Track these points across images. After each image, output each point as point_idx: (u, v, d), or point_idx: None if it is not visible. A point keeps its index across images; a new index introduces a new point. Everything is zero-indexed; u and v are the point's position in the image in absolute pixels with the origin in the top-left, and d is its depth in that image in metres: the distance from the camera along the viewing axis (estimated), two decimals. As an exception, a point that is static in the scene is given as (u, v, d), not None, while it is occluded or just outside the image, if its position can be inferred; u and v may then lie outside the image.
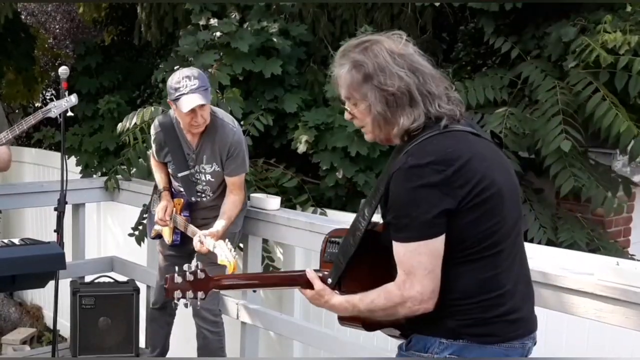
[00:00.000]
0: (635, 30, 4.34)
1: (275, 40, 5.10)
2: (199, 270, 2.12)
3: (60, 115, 3.83)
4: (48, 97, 9.74)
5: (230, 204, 3.71)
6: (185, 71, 3.60)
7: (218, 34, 5.03)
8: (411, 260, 1.94)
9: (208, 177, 3.75)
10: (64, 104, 3.83)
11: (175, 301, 2.11)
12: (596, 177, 4.26)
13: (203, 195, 3.81)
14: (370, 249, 2.08)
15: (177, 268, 2.14)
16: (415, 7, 5.48)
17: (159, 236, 3.98)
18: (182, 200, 3.82)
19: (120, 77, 7.47)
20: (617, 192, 4.39)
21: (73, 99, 3.86)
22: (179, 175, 3.78)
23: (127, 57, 7.96)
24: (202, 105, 3.50)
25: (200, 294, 2.12)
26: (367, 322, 2.18)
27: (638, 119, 4.27)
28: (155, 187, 4.01)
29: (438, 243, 1.93)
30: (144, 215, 4.99)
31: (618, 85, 4.23)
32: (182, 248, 3.90)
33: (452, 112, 2.00)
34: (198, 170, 3.75)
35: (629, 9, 4.56)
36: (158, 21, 6.32)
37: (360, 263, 2.10)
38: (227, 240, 3.42)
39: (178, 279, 2.10)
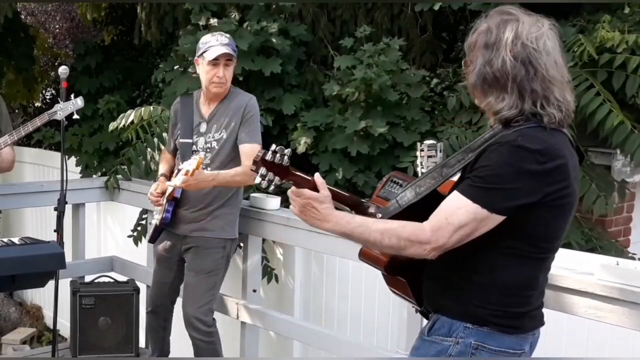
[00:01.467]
0: (634, 30, 4.35)
1: (274, 40, 5.10)
2: (286, 156, 2.07)
3: (65, 118, 3.83)
4: (48, 97, 9.73)
5: (239, 168, 3.63)
6: (217, 33, 3.78)
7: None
8: (461, 216, 1.93)
9: (213, 144, 3.72)
10: (70, 106, 3.82)
11: (257, 177, 2.06)
12: (591, 177, 4.26)
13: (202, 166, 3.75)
14: (427, 205, 2.05)
15: (274, 146, 2.08)
16: (416, 10, 5.49)
17: (154, 238, 3.97)
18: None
19: (120, 77, 7.47)
20: (612, 193, 4.40)
21: (79, 102, 3.85)
22: (180, 140, 3.80)
23: (127, 57, 7.96)
24: (228, 59, 3.62)
25: (277, 179, 2.07)
26: (390, 264, 2.16)
27: (636, 119, 4.28)
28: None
29: (492, 222, 1.93)
30: (144, 216, 4.99)
31: (616, 85, 4.25)
32: (172, 250, 3.88)
33: (551, 116, 1.96)
34: (205, 141, 3.74)
35: (627, 10, 4.56)
36: (158, 21, 6.33)
37: (410, 213, 2.08)
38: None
39: (270, 156, 2.05)
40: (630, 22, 4.46)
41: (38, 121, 3.79)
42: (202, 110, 3.79)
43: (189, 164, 3.45)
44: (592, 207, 4.22)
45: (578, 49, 4.26)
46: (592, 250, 4.31)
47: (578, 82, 4.23)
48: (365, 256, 2.24)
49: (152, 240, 3.98)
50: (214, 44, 3.63)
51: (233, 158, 3.72)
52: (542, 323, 2.13)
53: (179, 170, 3.64)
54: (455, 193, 1.97)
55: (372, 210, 2.19)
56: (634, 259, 4.39)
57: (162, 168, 3.99)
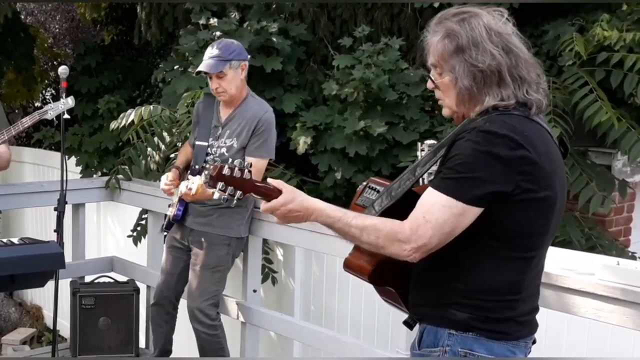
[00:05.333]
0: (633, 28, 4.35)
1: (274, 39, 5.10)
2: (246, 169, 2.01)
3: (56, 117, 3.83)
4: (48, 97, 9.73)
5: None
6: (219, 40, 3.80)
7: (218, 33, 5.04)
8: (437, 212, 1.86)
9: (223, 150, 3.75)
10: (61, 106, 3.82)
11: (217, 191, 2.00)
12: (589, 176, 4.26)
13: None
14: (405, 207, 1.99)
15: (230, 160, 2.04)
16: (415, 7, 5.48)
17: (167, 228, 4.00)
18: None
19: (120, 77, 7.48)
20: (612, 192, 4.40)
21: (70, 101, 3.85)
22: (196, 142, 3.85)
23: (127, 57, 7.96)
24: (219, 72, 3.64)
25: (238, 193, 2.01)
26: (375, 274, 2.11)
27: (636, 117, 4.28)
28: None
29: (470, 215, 1.86)
30: (144, 216, 4.99)
31: (614, 83, 4.25)
32: (182, 240, 3.92)
33: (539, 102, 1.92)
34: (217, 145, 3.77)
35: (625, 8, 4.57)
36: (158, 21, 6.33)
37: (389, 216, 2.02)
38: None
39: (227, 171, 1.99)
40: (629, 21, 4.46)
41: (29, 120, 3.79)
42: (220, 114, 3.83)
43: (195, 184, 3.49)
44: (587, 205, 4.21)
45: (569, 47, 4.27)
46: (592, 248, 4.31)
47: (574, 79, 4.24)
48: (349, 267, 2.16)
49: (166, 229, 4.03)
50: (204, 57, 3.71)
51: None
52: (532, 332, 2.04)
53: (188, 178, 3.73)
54: (429, 189, 1.91)
55: None
56: (634, 258, 4.39)
57: (178, 160, 4.03)
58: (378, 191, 2.16)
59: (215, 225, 3.79)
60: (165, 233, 4.06)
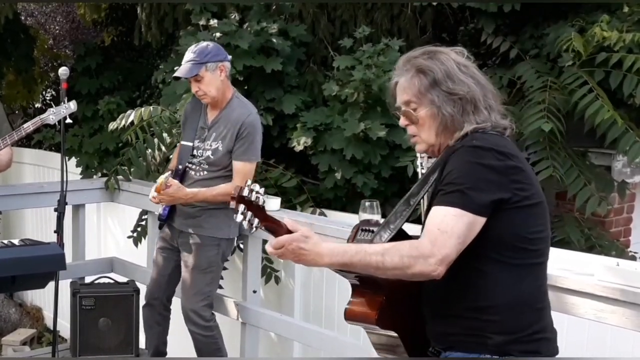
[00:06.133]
0: (633, 29, 4.35)
1: (274, 40, 5.10)
2: (261, 196, 2.00)
3: (58, 122, 3.83)
4: (48, 98, 9.73)
5: (222, 187, 3.68)
6: (196, 44, 3.80)
7: (218, 34, 5.04)
8: (450, 223, 1.89)
9: (208, 152, 3.76)
10: (63, 110, 3.82)
11: (239, 215, 1.97)
12: (587, 177, 4.26)
13: (199, 168, 3.80)
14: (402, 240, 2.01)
15: (249, 181, 2.01)
16: (415, 7, 5.49)
17: (160, 226, 4.02)
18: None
19: (120, 78, 7.47)
20: (611, 193, 4.40)
21: (72, 105, 3.84)
22: (182, 143, 3.88)
23: (127, 58, 7.96)
24: (194, 76, 3.67)
25: (256, 221, 1.99)
26: (383, 316, 2.04)
27: (633, 117, 4.28)
28: None
29: (477, 225, 1.91)
30: (144, 217, 4.99)
31: (613, 84, 4.25)
32: (172, 240, 3.94)
33: (510, 127, 2.04)
34: (203, 147, 3.79)
35: (626, 9, 4.57)
36: (158, 22, 6.33)
37: None
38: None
39: (248, 195, 1.96)
40: (629, 22, 4.46)
41: (31, 126, 3.79)
42: (208, 115, 3.84)
43: (158, 180, 3.64)
44: (584, 206, 4.21)
45: (568, 47, 4.27)
46: (591, 248, 4.32)
47: (573, 79, 4.25)
48: (352, 317, 2.10)
49: (159, 227, 4.05)
50: (182, 61, 3.75)
51: (219, 168, 3.75)
52: (556, 350, 2.07)
53: (173, 176, 3.80)
54: (434, 208, 1.94)
55: None
56: (634, 259, 4.39)
57: (172, 162, 4.05)
58: (371, 231, 2.16)
59: (204, 226, 3.80)
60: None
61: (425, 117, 2.03)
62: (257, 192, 1.98)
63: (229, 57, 3.83)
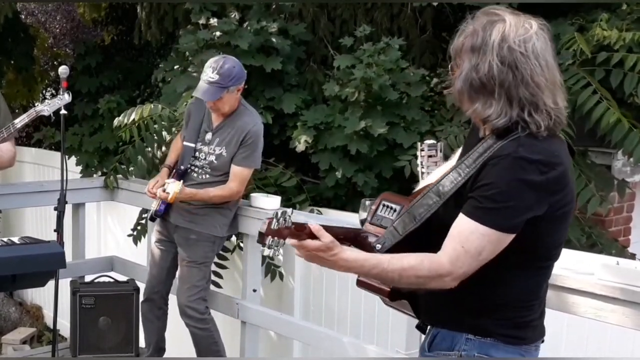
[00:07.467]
0: (632, 28, 4.35)
1: (274, 39, 5.10)
2: (290, 218, 1.93)
3: (53, 114, 3.83)
4: (48, 97, 9.73)
5: (219, 189, 3.76)
6: (218, 59, 3.70)
7: (218, 33, 5.04)
8: (476, 241, 1.88)
9: (212, 157, 3.79)
10: (57, 102, 3.81)
11: (266, 249, 1.92)
12: (588, 176, 4.25)
13: (202, 171, 3.83)
14: (429, 226, 1.99)
15: (278, 213, 1.93)
16: (415, 7, 5.48)
17: (152, 219, 4.05)
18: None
19: (120, 77, 7.47)
20: (610, 192, 4.40)
21: (66, 96, 3.83)
22: (185, 143, 3.87)
23: (127, 57, 7.95)
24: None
25: (282, 242, 1.93)
26: (393, 291, 2.06)
27: (635, 116, 4.28)
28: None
29: (506, 242, 1.90)
30: (144, 215, 4.99)
31: (613, 83, 4.25)
32: (168, 234, 3.97)
33: (537, 125, 1.88)
34: (207, 151, 3.80)
35: (624, 7, 4.57)
36: (158, 21, 6.32)
37: (411, 238, 2.01)
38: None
39: (275, 225, 1.91)
40: (629, 20, 4.46)
41: (26, 118, 3.78)
42: (212, 119, 3.84)
43: (172, 188, 3.65)
44: (585, 205, 4.21)
45: (572, 47, 4.27)
46: (592, 246, 4.32)
47: (575, 80, 4.24)
48: (363, 286, 2.13)
49: (151, 220, 4.10)
50: (203, 77, 3.68)
51: (222, 173, 3.80)
52: (542, 334, 2.08)
53: (173, 174, 3.87)
54: (463, 217, 1.91)
55: (371, 239, 2.09)
56: (634, 258, 4.39)
57: (169, 158, 4.05)
58: (393, 209, 2.12)
59: (199, 222, 3.85)
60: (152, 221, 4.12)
61: (457, 79, 1.96)
62: (284, 217, 1.93)
63: (246, 74, 3.80)
